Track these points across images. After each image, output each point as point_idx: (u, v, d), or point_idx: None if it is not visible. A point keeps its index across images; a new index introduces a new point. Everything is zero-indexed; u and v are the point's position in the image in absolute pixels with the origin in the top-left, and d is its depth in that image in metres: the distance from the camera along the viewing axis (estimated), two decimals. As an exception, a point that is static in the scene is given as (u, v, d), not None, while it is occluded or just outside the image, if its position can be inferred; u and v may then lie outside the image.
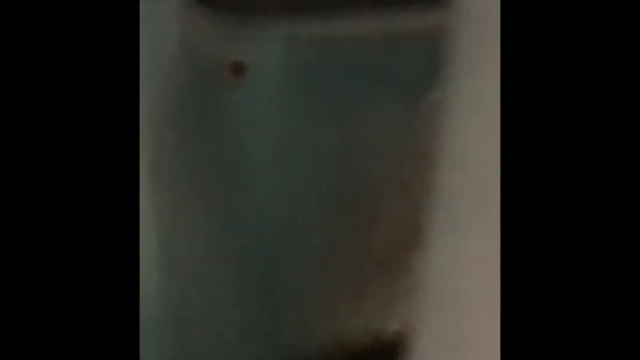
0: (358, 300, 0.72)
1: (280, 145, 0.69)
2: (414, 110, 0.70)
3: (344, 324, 0.71)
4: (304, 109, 0.69)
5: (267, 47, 0.69)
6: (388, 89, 0.70)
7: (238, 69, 0.68)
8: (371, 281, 0.72)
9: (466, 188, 0.47)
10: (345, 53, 0.70)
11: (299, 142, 0.70)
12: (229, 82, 0.67)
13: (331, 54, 0.70)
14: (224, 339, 0.70)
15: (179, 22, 0.67)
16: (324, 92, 0.69)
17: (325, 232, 0.70)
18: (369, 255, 0.71)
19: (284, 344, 0.70)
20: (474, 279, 0.45)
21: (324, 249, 0.70)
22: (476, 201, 0.43)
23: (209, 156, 0.68)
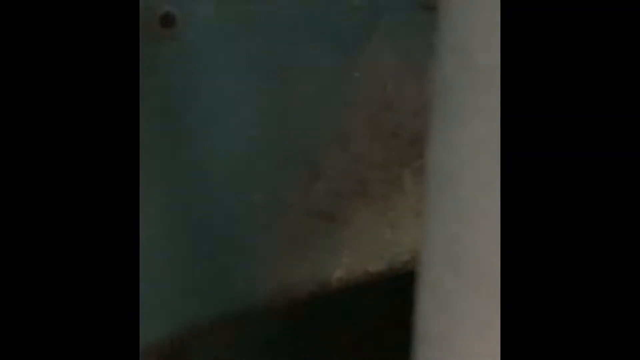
0: (303, 250, 0.73)
1: (216, 99, 0.69)
2: (352, 61, 0.71)
3: (289, 273, 0.72)
4: (240, 61, 0.70)
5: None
6: (325, 40, 0.71)
7: (167, 21, 0.68)
8: (315, 232, 0.73)
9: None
10: (279, 4, 0.71)
11: (236, 96, 0.70)
12: (159, 34, 0.67)
13: (265, 5, 0.70)
14: (168, 296, 0.71)
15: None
16: (259, 44, 0.70)
17: (267, 187, 0.71)
18: (312, 208, 0.72)
19: (230, 296, 0.71)
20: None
21: (267, 203, 0.71)
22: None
23: (144, 111, 0.68)
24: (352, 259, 0.74)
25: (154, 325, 0.71)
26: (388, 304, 0.79)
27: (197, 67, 0.69)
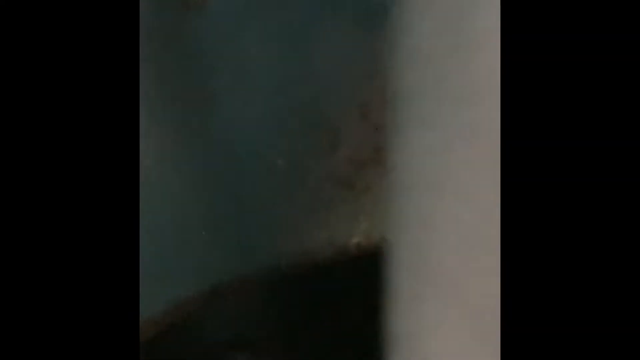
0: (322, 215, 0.74)
1: (241, 67, 0.73)
2: (374, 32, 0.74)
3: (309, 237, 0.74)
4: (264, 31, 0.74)
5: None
6: (348, 9, 0.74)
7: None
8: (334, 198, 0.74)
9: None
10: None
11: (260, 64, 0.74)
12: (188, 3, 0.72)
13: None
14: (194, 255, 0.74)
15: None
16: (284, 14, 0.74)
17: (288, 153, 0.74)
18: (331, 174, 0.74)
19: (253, 257, 0.74)
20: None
21: (288, 169, 0.74)
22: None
23: (174, 77, 0.73)
24: (370, 225, 0.75)
25: (179, 284, 0.74)
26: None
27: (223, 36, 0.74)
